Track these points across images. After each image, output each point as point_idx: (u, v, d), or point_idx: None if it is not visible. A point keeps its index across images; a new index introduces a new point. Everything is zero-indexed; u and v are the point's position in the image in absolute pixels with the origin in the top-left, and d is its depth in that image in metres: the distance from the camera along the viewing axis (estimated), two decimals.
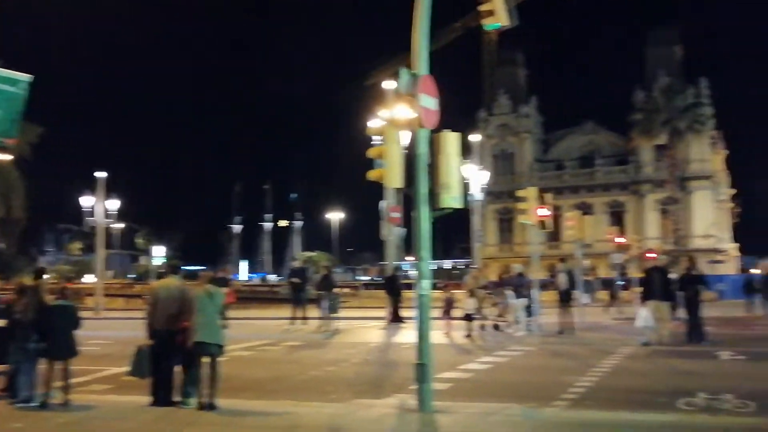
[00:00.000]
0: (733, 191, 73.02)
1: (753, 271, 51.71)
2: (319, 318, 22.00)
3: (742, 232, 74.45)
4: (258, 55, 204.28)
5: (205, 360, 9.31)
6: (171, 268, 10.80)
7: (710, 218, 64.09)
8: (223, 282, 10.75)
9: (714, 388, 10.19)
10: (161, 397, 9.57)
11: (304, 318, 22.33)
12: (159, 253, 46.63)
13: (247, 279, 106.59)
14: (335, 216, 75.04)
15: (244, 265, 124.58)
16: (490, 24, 10.47)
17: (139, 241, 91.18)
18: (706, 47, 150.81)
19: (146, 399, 9.63)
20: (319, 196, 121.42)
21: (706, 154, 64.26)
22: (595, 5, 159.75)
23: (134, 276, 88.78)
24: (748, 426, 8.03)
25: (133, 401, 9.88)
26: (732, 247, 70.92)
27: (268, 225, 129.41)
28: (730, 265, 64.63)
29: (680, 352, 15.78)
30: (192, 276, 14.02)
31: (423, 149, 9.26)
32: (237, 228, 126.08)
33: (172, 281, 10.11)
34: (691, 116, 55.59)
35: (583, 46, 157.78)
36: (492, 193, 67.32)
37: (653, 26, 68.36)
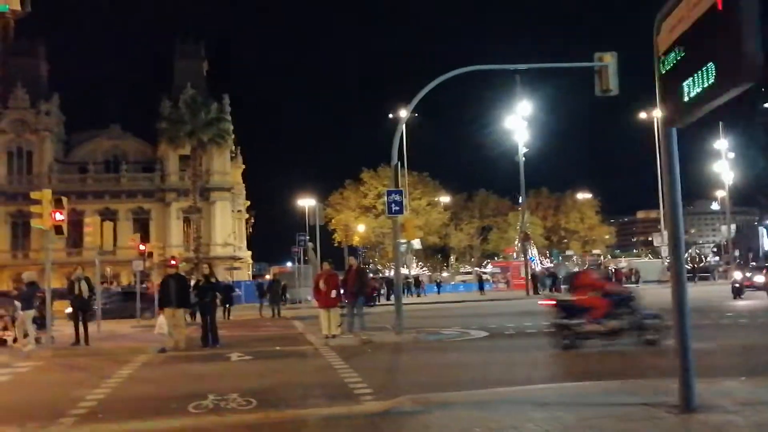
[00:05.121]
0: (248, 203, 79.04)
1: (267, 277, 56.93)
2: None
3: (254, 242, 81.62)
4: None
5: None
6: None
7: (229, 228, 68.35)
8: None
9: (222, 389, 10.77)
10: None
11: None
12: None
13: None
14: None
15: None
16: (1, 5, 9.52)
17: None
18: (230, 66, 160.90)
19: None
20: None
21: (226, 167, 68.39)
22: (129, 12, 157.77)
23: None
24: (249, 422, 8.66)
25: None
26: (247, 255, 76.75)
27: None
28: (245, 272, 69.90)
29: (195, 356, 16.36)
30: None
31: None
32: None
33: None
34: (214, 130, 58.23)
35: (113, 51, 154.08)
36: (5, 194, 61.47)
37: (182, 39, 70.07)
